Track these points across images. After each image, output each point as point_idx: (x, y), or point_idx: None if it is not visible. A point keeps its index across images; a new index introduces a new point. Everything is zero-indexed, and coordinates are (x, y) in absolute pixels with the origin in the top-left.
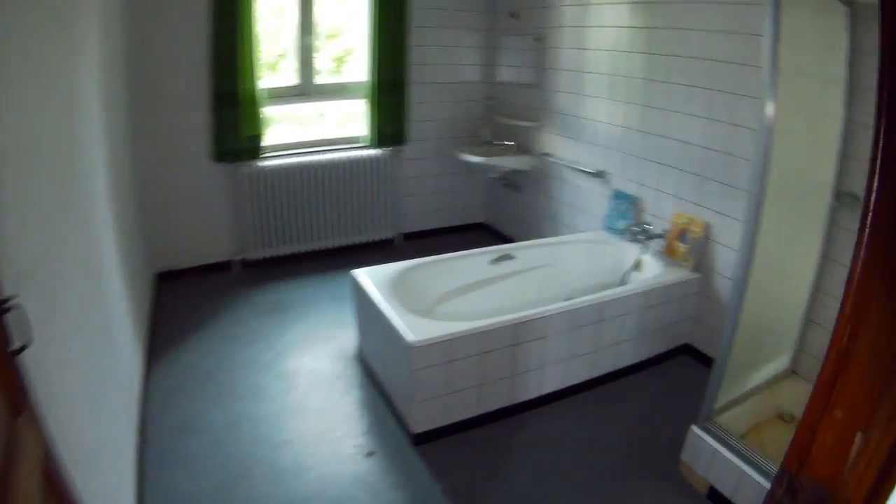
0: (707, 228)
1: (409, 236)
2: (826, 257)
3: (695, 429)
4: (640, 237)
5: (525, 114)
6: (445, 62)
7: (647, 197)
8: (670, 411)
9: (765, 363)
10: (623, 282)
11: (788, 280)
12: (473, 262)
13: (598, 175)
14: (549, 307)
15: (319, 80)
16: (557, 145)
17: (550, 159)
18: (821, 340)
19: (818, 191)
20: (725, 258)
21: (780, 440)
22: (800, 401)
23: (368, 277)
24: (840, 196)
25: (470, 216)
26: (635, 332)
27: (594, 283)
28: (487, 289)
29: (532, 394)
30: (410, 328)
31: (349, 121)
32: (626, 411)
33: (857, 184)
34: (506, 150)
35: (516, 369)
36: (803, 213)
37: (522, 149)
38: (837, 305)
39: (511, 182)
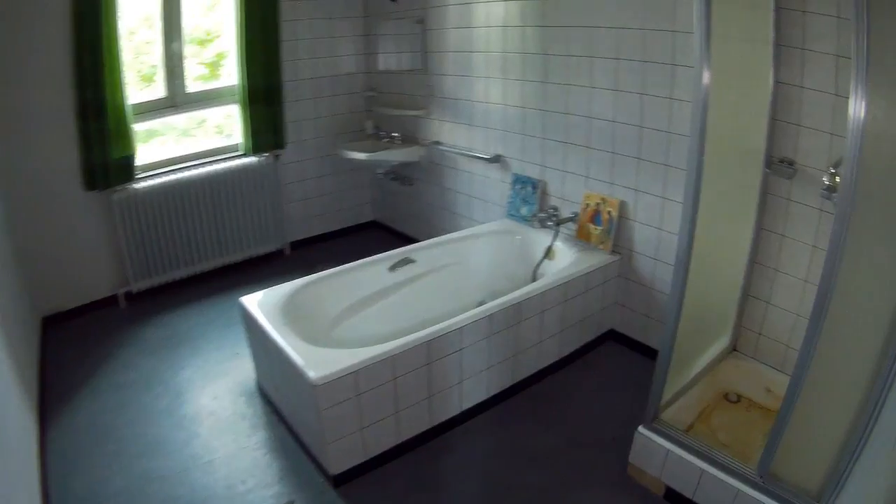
0: (622, 207)
1: (299, 245)
2: (762, 228)
3: (642, 430)
4: (549, 223)
5: (410, 102)
6: (321, 55)
7: (551, 179)
8: (607, 405)
9: (707, 346)
10: (536, 274)
11: (725, 255)
12: (370, 271)
13: (495, 160)
14: (462, 317)
15: (192, 88)
16: (448, 132)
17: (441, 148)
18: (759, 314)
19: (751, 159)
20: (644, 236)
21: (730, 423)
22: (743, 379)
23: (258, 305)
24: (772, 163)
25: (360, 216)
26: (558, 327)
27: (505, 278)
28: (390, 299)
29: (455, 410)
30: (311, 364)
31: (228, 128)
32: (560, 413)
33: (789, 148)
34: (392, 143)
35: (434, 388)
36: (736, 184)
37: (410, 139)
38: (775, 276)
39: (400, 176)
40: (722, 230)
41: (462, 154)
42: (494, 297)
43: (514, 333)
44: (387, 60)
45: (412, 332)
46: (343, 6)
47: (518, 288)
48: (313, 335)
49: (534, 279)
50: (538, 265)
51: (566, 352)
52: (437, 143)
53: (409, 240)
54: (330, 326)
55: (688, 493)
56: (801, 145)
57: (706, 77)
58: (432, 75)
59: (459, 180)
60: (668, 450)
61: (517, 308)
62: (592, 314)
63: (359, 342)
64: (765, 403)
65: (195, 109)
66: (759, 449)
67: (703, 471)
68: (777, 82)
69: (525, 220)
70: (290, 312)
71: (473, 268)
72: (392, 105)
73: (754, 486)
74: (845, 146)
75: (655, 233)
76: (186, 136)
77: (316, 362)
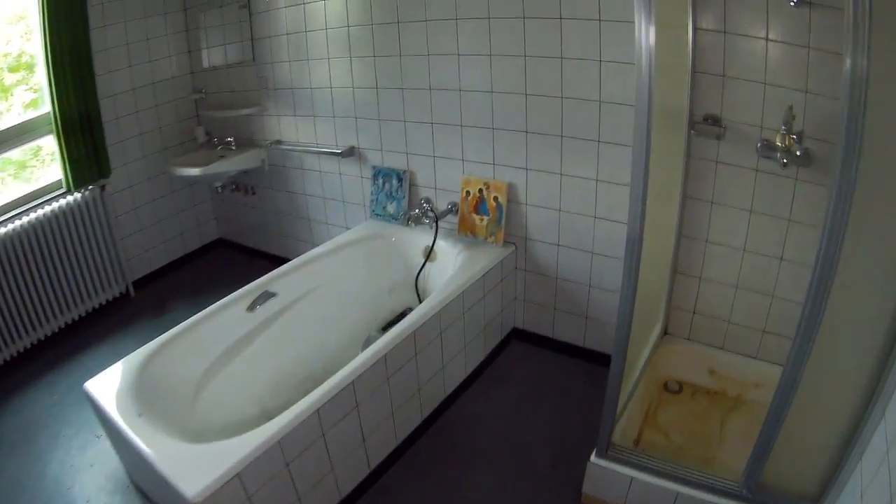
0: (510, 190)
1: (143, 283)
2: (687, 196)
3: (596, 461)
4: (424, 220)
5: (241, 100)
6: (139, 61)
7: (419, 168)
8: (530, 421)
9: (646, 339)
10: (419, 282)
11: (654, 233)
12: (225, 317)
13: (349, 154)
14: (352, 367)
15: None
16: (289, 128)
17: (283, 147)
18: (691, 291)
19: (673, 121)
20: (541, 221)
21: (679, 418)
22: (682, 364)
23: (105, 391)
24: (695, 123)
25: (204, 236)
26: (460, 344)
27: (385, 292)
28: (255, 346)
29: (364, 471)
30: (183, 473)
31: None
32: (483, 442)
33: (714, 104)
34: (227, 150)
35: (337, 457)
36: (661, 150)
37: (246, 143)
38: (703, 249)
39: (241, 185)
40: (650, 205)
41: (308, 151)
42: (376, 316)
43: (413, 367)
44: (212, 56)
45: (291, 381)
46: (159, 1)
47: (403, 300)
48: (177, 417)
49: (417, 288)
50: (420, 271)
51: (472, 367)
52: (278, 142)
53: (261, 255)
54: (193, 397)
55: None
56: (727, 99)
57: (651, 35)
58: (264, 65)
59: (309, 182)
60: (632, 477)
61: (412, 338)
62: (493, 318)
63: (231, 411)
64: (710, 387)
65: (7, 149)
66: (720, 444)
67: (677, 493)
68: (696, 29)
69: (394, 218)
70: (144, 393)
71: (344, 287)
72: (222, 106)
73: (740, 499)
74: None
75: (553, 216)
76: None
77: (188, 469)
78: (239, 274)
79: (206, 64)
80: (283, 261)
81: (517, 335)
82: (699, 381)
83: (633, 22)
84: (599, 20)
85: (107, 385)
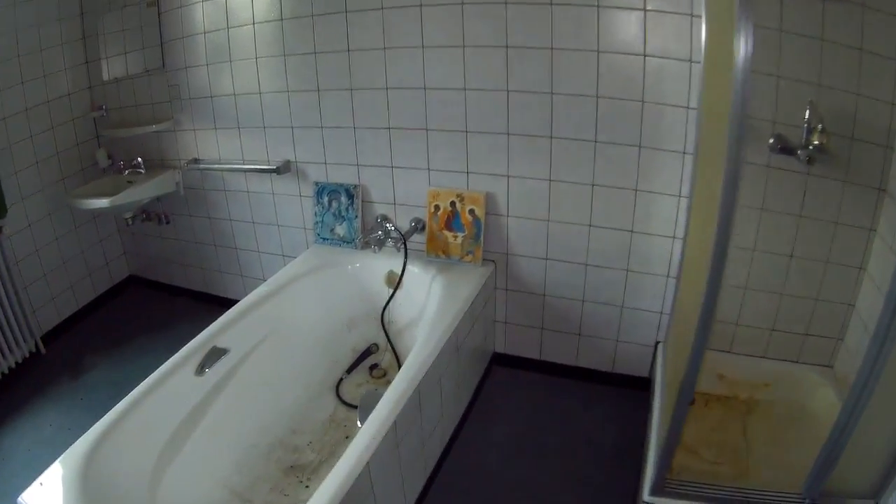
0: (488, 201)
1: (53, 336)
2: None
3: (651, 500)
4: (388, 241)
5: (149, 115)
6: (31, 76)
7: (373, 181)
8: (543, 458)
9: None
10: (384, 317)
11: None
12: (170, 388)
13: (284, 169)
14: (362, 445)
15: None
16: (207, 144)
17: (202, 167)
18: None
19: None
20: (525, 234)
21: (703, 433)
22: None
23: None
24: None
25: (115, 275)
26: (454, 385)
27: (345, 330)
28: (212, 416)
29: None
30: None
31: None
32: (496, 492)
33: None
34: (135, 175)
35: None
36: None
37: (157, 165)
38: None
39: (154, 214)
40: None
41: (233, 169)
42: (338, 358)
43: (418, 424)
44: (113, 66)
45: (257, 452)
46: (53, 5)
47: (365, 337)
48: None
49: (383, 322)
50: (387, 304)
51: (463, 408)
52: (196, 161)
53: (181, 292)
54: (151, 492)
55: None
56: None
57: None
58: (176, 71)
59: (235, 205)
60: None
61: (417, 394)
62: (477, 348)
63: (198, 500)
64: (721, 392)
65: None
66: (748, 452)
67: None
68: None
69: (345, 242)
70: (94, 498)
71: (298, 329)
72: (127, 123)
73: None
74: None
75: (541, 227)
76: None
77: None
78: (158, 316)
79: (106, 76)
80: (207, 297)
81: (498, 360)
82: (709, 387)
83: (636, 9)
84: (597, 6)
85: (47, 496)
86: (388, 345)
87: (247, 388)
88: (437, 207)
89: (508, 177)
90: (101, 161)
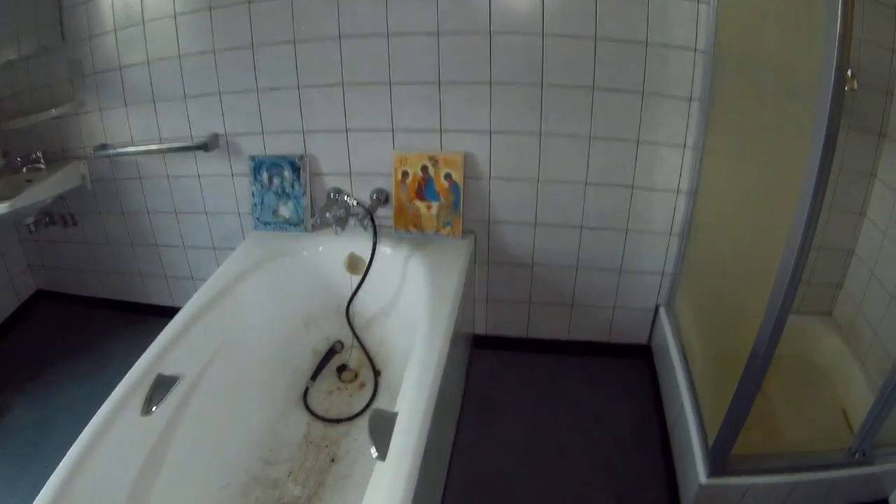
0: (466, 163)
1: None
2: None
3: (711, 482)
4: (344, 217)
5: (47, 99)
6: None
7: (322, 149)
8: (557, 450)
9: None
10: (350, 310)
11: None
12: (117, 437)
13: (211, 145)
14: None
15: None
16: (117, 125)
17: (111, 153)
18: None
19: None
20: (508, 197)
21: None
22: None
23: None
24: None
25: (21, 292)
26: (454, 388)
27: (302, 330)
28: (170, 463)
29: None
30: None
31: None
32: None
33: None
34: (34, 172)
35: None
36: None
37: (58, 157)
38: None
39: (58, 216)
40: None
41: (148, 152)
42: (298, 365)
43: (437, 439)
44: (2, 47)
45: (229, 494)
46: None
47: (325, 335)
48: None
49: (348, 316)
50: (354, 294)
51: (458, 404)
52: (103, 147)
53: (98, 303)
54: None
55: None
56: None
57: None
58: (78, 43)
59: (153, 194)
60: (749, 485)
61: (441, 406)
62: (464, 334)
63: None
64: None
65: None
66: (771, 413)
67: (794, 484)
68: None
69: (292, 225)
70: None
71: (249, 339)
72: (20, 112)
73: (854, 464)
74: None
75: (530, 188)
76: None
77: None
78: (76, 334)
79: None
80: (129, 307)
81: (478, 343)
82: None
83: None
84: None
85: None
86: (355, 341)
87: (204, 419)
88: (405, 174)
89: (491, 132)
90: None
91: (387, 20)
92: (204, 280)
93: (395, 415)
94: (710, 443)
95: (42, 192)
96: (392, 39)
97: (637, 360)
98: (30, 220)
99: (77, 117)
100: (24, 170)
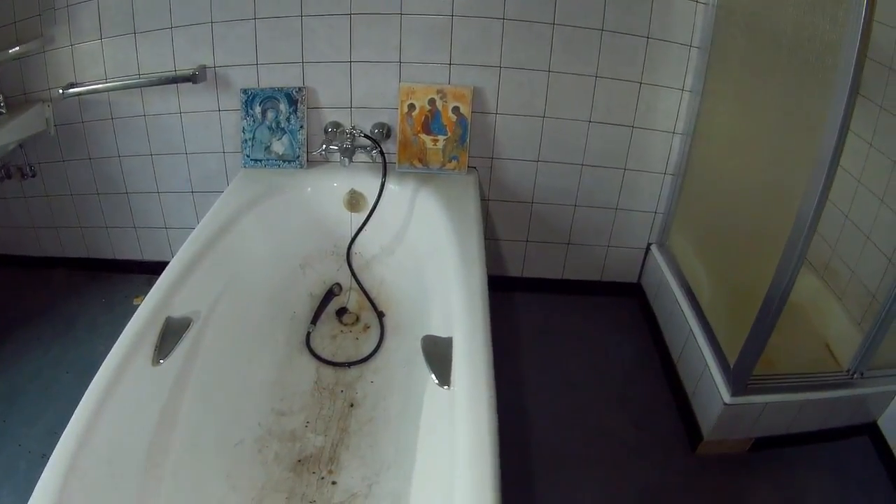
0: (476, 97)
1: None
2: None
3: (734, 401)
4: (352, 150)
5: (10, 36)
6: None
7: (321, 81)
8: (567, 384)
9: None
10: (351, 251)
11: None
12: (129, 393)
13: (198, 77)
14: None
15: None
16: (89, 61)
17: (80, 91)
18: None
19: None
20: (513, 133)
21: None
22: None
23: None
24: None
25: None
26: None
27: (298, 272)
28: (183, 418)
29: None
30: None
31: None
32: (541, 440)
33: None
34: None
35: None
36: None
37: (19, 101)
38: None
39: (14, 168)
40: None
41: (125, 88)
42: (297, 308)
43: None
44: None
45: (248, 452)
46: None
47: (322, 277)
48: None
49: (349, 258)
50: (357, 234)
51: None
52: (71, 86)
53: (54, 263)
54: None
55: (780, 432)
56: None
57: None
58: None
59: (126, 136)
60: (766, 403)
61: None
62: None
63: None
64: None
65: None
66: None
67: (802, 402)
68: None
69: (286, 161)
70: None
71: (252, 279)
72: None
73: (854, 385)
74: None
75: (535, 124)
76: None
77: None
78: (33, 298)
79: None
80: (91, 264)
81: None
82: None
83: None
84: None
85: None
86: (354, 283)
87: (212, 368)
88: (411, 107)
89: (501, 68)
90: None
91: None
92: (180, 229)
93: (449, 340)
94: (732, 364)
95: (3, 136)
96: None
97: (627, 299)
98: None
99: (44, 55)
100: None
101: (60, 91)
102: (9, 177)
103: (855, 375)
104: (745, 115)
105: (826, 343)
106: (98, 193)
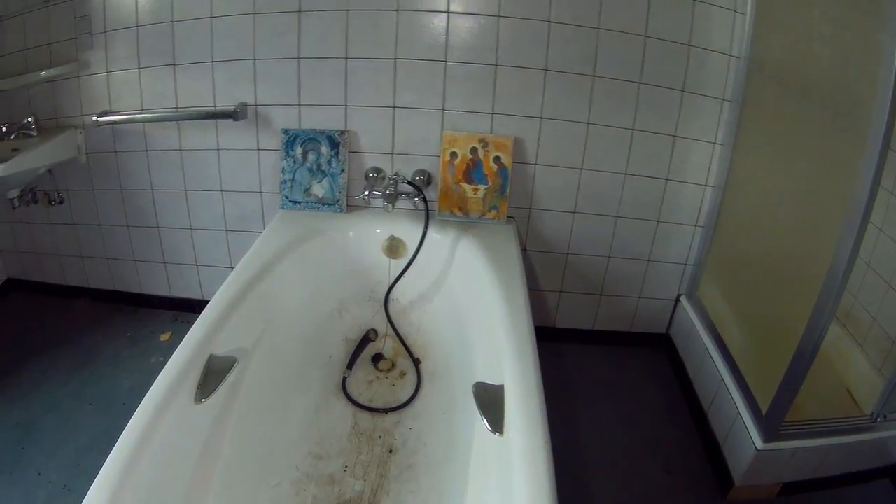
0: (516, 148)
1: None
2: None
3: (766, 447)
4: (395, 195)
5: (44, 58)
6: None
7: (364, 125)
8: (601, 430)
9: None
10: (388, 299)
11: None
12: (172, 429)
13: (239, 114)
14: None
15: None
16: (125, 90)
17: (114, 119)
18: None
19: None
20: (551, 184)
21: None
22: None
23: None
24: None
25: None
26: None
27: (335, 316)
28: (224, 454)
29: None
30: None
31: None
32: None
33: None
34: (23, 139)
35: None
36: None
37: (50, 125)
38: None
39: (43, 192)
40: None
41: (162, 120)
42: (332, 353)
43: None
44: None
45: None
46: None
47: (359, 322)
48: None
49: (386, 305)
50: (396, 280)
51: None
52: (106, 113)
53: (77, 292)
54: None
55: (808, 476)
56: None
57: None
58: None
59: (160, 170)
60: (796, 448)
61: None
62: None
63: None
64: None
65: None
66: None
67: (829, 447)
68: None
69: (326, 205)
70: None
71: (290, 320)
72: (13, 73)
73: (876, 429)
74: None
75: (572, 176)
76: None
77: None
78: (53, 327)
79: None
80: (115, 296)
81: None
82: None
83: None
84: None
85: None
86: (390, 329)
87: (251, 408)
88: (453, 155)
89: (541, 119)
90: None
91: None
92: (211, 267)
93: (500, 387)
94: (764, 411)
95: (34, 160)
96: (452, 18)
97: (655, 348)
98: (14, 192)
99: (78, 80)
100: (11, 137)
101: (95, 118)
102: (35, 201)
103: (878, 419)
104: (776, 167)
105: (847, 388)
106: (128, 225)
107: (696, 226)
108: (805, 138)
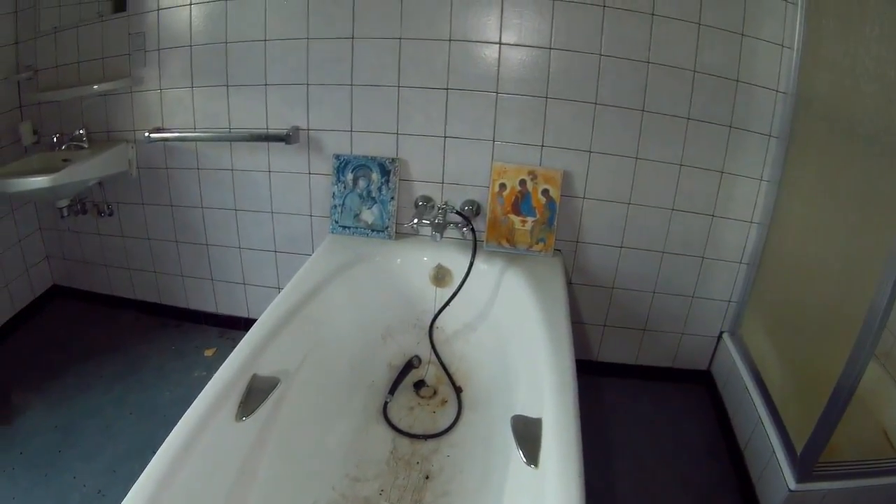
0: (565, 181)
1: None
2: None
3: (800, 487)
4: (443, 225)
5: (97, 72)
6: None
7: (415, 153)
8: (640, 465)
9: None
10: (433, 327)
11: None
12: (211, 446)
13: (291, 138)
14: None
15: None
16: (178, 108)
17: (167, 136)
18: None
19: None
20: (598, 218)
21: None
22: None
23: None
24: None
25: (36, 284)
26: None
27: (379, 342)
28: (262, 474)
29: None
30: None
31: None
32: None
33: None
34: (75, 151)
35: None
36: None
37: (102, 138)
38: None
39: (93, 204)
40: None
41: (215, 140)
42: (375, 378)
43: None
44: (53, 12)
45: None
46: None
47: (402, 349)
48: None
49: (431, 334)
50: (442, 309)
51: None
52: (158, 130)
53: (121, 303)
54: None
55: None
56: None
57: None
58: (143, 14)
59: (211, 188)
60: (828, 490)
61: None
62: None
63: None
64: None
65: None
66: None
67: (861, 489)
68: None
69: (375, 231)
70: None
71: (334, 344)
72: (66, 84)
73: None
74: None
75: (620, 210)
76: None
77: None
78: (96, 336)
79: (44, 25)
80: (160, 310)
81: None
82: None
83: None
84: None
85: None
86: (433, 357)
87: (291, 428)
88: (502, 187)
89: (590, 153)
90: (24, 137)
91: (500, 30)
92: (259, 287)
93: (539, 420)
94: (799, 451)
95: (85, 171)
96: (504, 49)
97: (696, 385)
98: (64, 202)
99: (130, 96)
100: (62, 148)
101: (147, 134)
102: (84, 212)
103: None
104: (822, 204)
105: (883, 429)
106: (177, 241)
107: (740, 263)
108: (850, 176)
